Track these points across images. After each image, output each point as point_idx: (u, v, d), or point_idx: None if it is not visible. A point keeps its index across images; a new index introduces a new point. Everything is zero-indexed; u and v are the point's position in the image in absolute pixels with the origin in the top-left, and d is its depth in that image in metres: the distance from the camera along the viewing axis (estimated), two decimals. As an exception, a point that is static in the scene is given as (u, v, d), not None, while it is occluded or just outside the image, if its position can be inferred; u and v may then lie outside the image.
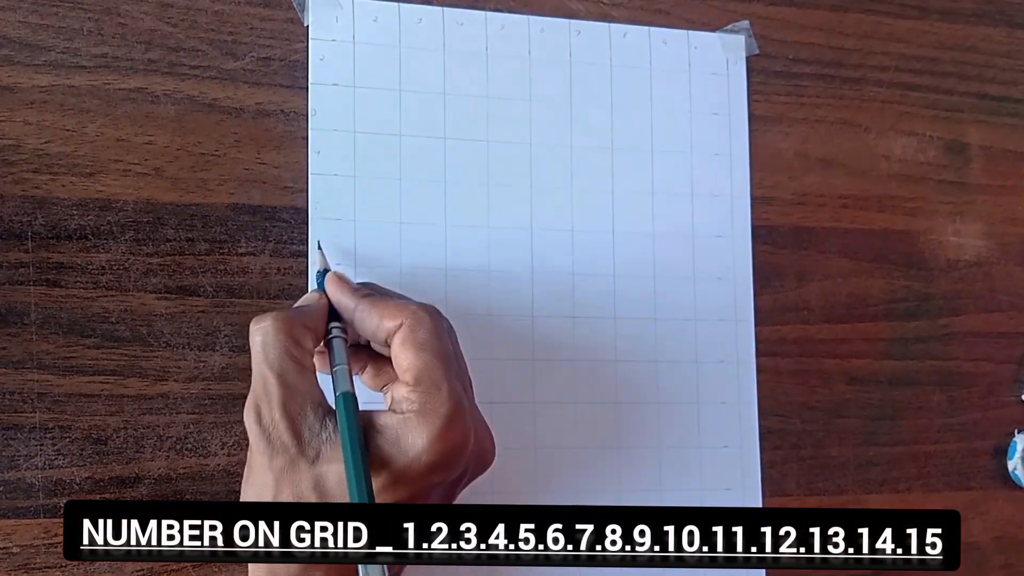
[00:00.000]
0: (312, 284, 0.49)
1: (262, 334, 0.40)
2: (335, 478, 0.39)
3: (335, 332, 0.43)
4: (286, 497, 0.39)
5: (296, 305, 0.45)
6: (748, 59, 0.57)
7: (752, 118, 0.56)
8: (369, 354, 0.45)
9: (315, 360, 0.43)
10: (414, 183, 0.51)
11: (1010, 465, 0.57)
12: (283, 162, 0.50)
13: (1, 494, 0.45)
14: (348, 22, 0.51)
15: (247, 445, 0.41)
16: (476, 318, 0.51)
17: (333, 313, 0.44)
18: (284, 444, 0.39)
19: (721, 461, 0.54)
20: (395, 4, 0.52)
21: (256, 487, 0.40)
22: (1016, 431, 0.58)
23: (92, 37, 0.48)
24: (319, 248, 0.49)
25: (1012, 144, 0.61)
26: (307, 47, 0.51)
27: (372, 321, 0.42)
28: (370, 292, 0.44)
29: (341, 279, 0.45)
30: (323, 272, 0.46)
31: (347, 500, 0.38)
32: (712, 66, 0.56)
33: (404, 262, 0.50)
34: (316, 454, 0.39)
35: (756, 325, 0.55)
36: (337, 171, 0.50)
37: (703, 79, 0.56)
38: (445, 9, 0.53)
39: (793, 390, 0.55)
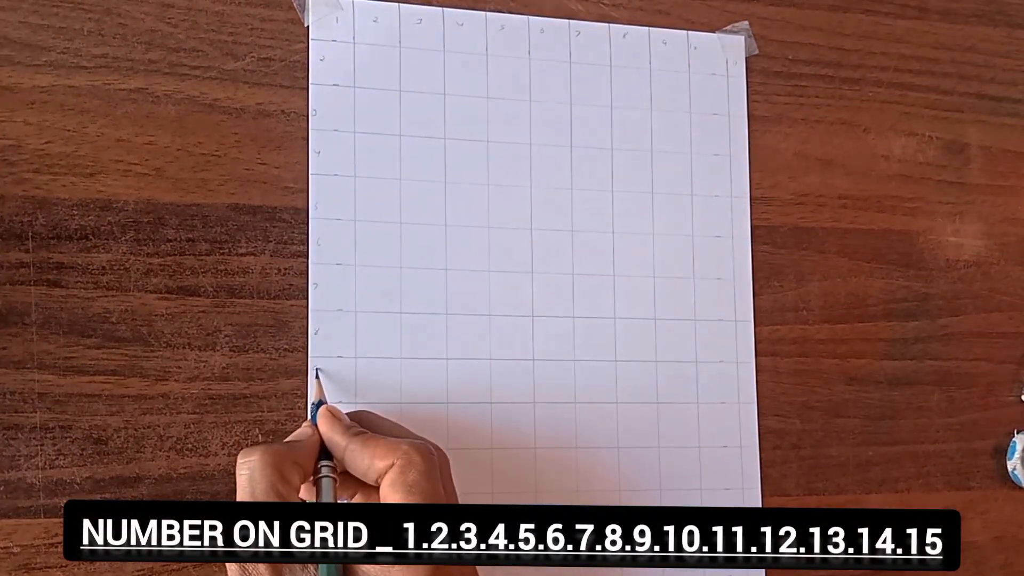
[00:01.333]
0: (309, 414, 0.48)
1: (249, 468, 0.40)
2: None
3: (324, 472, 0.42)
4: None
5: (288, 439, 0.44)
6: (748, 59, 0.57)
7: (752, 118, 0.56)
8: (359, 481, 0.44)
9: (303, 494, 0.42)
10: (414, 183, 0.51)
11: (1010, 465, 0.57)
12: (283, 162, 0.50)
13: (2, 494, 0.45)
14: (348, 22, 0.51)
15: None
16: (475, 320, 0.51)
17: (325, 449, 0.43)
18: None
19: (721, 461, 0.54)
20: (395, 5, 0.52)
21: None
22: (1016, 431, 0.58)
23: (92, 37, 0.48)
24: (316, 378, 0.48)
25: (1012, 144, 0.61)
26: (307, 47, 0.51)
27: (363, 461, 0.41)
28: (361, 430, 0.43)
29: (334, 415, 0.44)
30: (318, 404, 0.45)
31: None
32: (712, 67, 0.56)
33: (404, 262, 0.51)
34: None
35: (756, 325, 0.55)
36: (337, 171, 0.50)
37: (703, 80, 0.56)
38: (445, 10, 0.53)
39: (793, 390, 0.55)
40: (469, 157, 0.52)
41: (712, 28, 0.56)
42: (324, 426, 0.43)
